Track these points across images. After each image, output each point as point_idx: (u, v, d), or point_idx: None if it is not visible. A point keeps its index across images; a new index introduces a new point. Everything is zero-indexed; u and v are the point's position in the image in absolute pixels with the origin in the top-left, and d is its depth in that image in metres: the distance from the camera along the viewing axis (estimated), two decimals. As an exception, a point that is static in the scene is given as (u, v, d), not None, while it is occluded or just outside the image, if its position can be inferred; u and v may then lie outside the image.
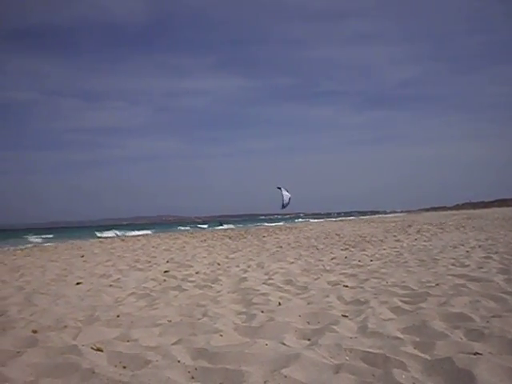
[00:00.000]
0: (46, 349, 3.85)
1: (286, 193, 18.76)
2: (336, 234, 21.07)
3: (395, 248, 12.44)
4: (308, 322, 4.50)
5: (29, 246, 26.14)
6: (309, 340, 3.88)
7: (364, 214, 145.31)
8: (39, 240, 38.32)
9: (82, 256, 14.45)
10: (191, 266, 10.05)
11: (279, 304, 5.39)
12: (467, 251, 10.51)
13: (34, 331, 4.53)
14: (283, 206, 18.69)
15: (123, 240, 26.01)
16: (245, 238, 22.19)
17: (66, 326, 4.66)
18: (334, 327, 4.10)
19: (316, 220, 76.29)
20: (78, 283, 8.04)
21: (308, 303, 5.43)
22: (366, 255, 10.81)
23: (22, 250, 20.89)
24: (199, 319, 4.76)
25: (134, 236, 34.20)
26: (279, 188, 18.84)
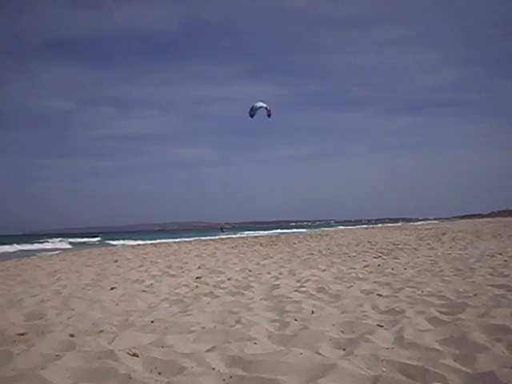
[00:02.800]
0: (83, 353, 3.91)
1: (261, 103, 15.48)
2: (368, 242, 20.79)
3: (429, 256, 12.17)
4: (342, 331, 4.44)
5: (64, 250, 26.76)
6: (344, 350, 3.83)
7: (395, 221, 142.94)
8: (74, 244, 39.20)
9: (116, 261, 14.70)
10: (223, 273, 10.08)
11: (312, 312, 5.34)
12: (505, 260, 10.19)
13: (72, 335, 4.62)
14: (251, 110, 15.25)
15: (155, 245, 26.34)
16: (276, 244, 22.13)
17: (102, 331, 4.74)
18: (370, 337, 4.03)
19: (347, 227, 75.51)
20: (112, 288, 8.17)
21: (342, 312, 5.36)
22: (400, 263, 10.62)
23: (57, 254, 21.40)
24: (232, 326, 4.76)
25: (165, 242, 34.59)
26: (252, 111, 15.46)
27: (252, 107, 15.11)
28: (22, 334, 4.76)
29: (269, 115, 15.26)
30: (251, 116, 15.16)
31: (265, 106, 15.22)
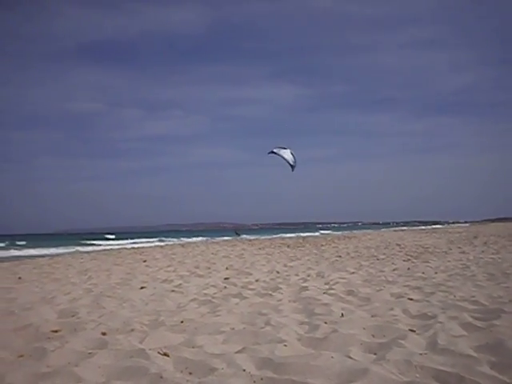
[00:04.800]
0: (115, 351, 3.97)
1: (285, 150, 14.21)
2: (397, 244, 20.50)
3: (461, 260, 11.91)
4: (373, 335, 4.38)
5: (94, 249, 27.25)
6: (375, 354, 3.77)
7: (425, 224, 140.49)
8: (104, 244, 39.90)
9: (145, 261, 14.88)
10: (250, 274, 10.08)
11: (342, 315, 5.29)
12: (541, 266, 9.89)
13: (103, 333, 4.69)
14: (292, 166, 14.03)
15: (183, 246, 26.57)
16: (303, 246, 22.04)
17: (133, 330, 4.80)
18: (402, 342, 3.96)
19: (374, 230, 74.64)
20: (141, 287, 8.27)
21: (372, 315, 5.29)
22: (430, 267, 10.42)
23: (88, 253, 21.81)
24: (262, 328, 4.75)
25: (193, 242, 34.85)
26: (273, 152, 14.21)
27: (276, 153, 14.00)
28: (56, 331, 4.86)
29: (292, 168, 14.26)
30: (271, 153, 14.09)
31: (291, 161, 14.01)
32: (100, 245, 38.26)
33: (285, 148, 14.29)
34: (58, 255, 22.47)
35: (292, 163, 14.06)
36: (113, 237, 62.54)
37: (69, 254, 24.35)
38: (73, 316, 5.78)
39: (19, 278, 10.93)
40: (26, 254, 24.88)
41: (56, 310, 6.20)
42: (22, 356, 3.99)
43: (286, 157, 14.03)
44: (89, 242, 41.92)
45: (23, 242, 40.28)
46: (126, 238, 49.35)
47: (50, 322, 5.38)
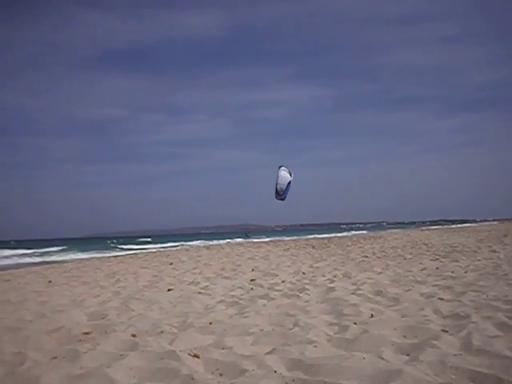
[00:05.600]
0: (145, 353, 4.00)
1: (286, 174, 11.91)
2: (424, 244, 20.18)
3: (491, 259, 11.64)
4: (404, 336, 4.30)
5: (122, 253, 27.60)
6: (408, 355, 3.70)
7: (452, 222, 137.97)
8: (130, 247, 40.41)
9: (171, 263, 15.00)
10: (276, 275, 10.06)
11: (371, 316, 5.22)
12: None
13: (134, 335, 4.74)
14: (278, 194, 11.78)
15: (208, 248, 26.70)
16: (328, 247, 21.90)
17: (162, 332, 4.83)
18: (435, 342, 3.88)
19: (400, 229, 73.69)
20: (169, 290, 8.33)
21: (402, 316, 5.20)
22: (460, 266, 10.22)
23: (115, 257, 22.10)
24: (291, 329, 4.72)
25: (218, 244, 35.00)
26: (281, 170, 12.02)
27: (277, 191, 11.67)
28: (87, 333, 4.93)
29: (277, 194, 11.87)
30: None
31: (291, 177, 11.79)
32: (126, 249, 38.77)
33: (290, 173, 12.08)
34: (86, 259, 22.85)
35: (278, 189, 11.72)
36: (142, 240, 63.39)
37: (97, 257, 24.73)
38: (103, 318, 5.86)
39: (49, 281, 11.14)
40: (58, 259, 25.32)
41: (86, 312, 6.29)
42: (55, 358, 4.05)
43: (280, 179, 11.77)
44: (114, 246, 42.60)
45: (56, 248, 40.96)
46: (153, 243, 49.91)
47: (81, 324, 5.47)
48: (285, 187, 11.70)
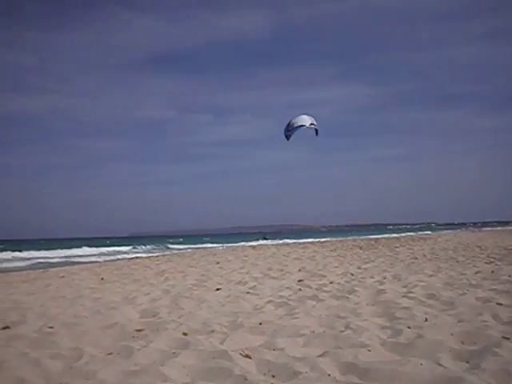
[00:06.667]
0: (197, 351, 4.03)
1: (305, 118, 11.07)
2: (476, 246, 19.47)
3: (552, 263, 11.08)
4: (462, 342, 4.14)
5: (169, 251, 28.13)
6: (467, 362, 3.55)
7: (506, 224, 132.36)
8: (177, 246, 41.17)
9: (218, 263, 15.14)
10: (324, 276, 9.95)
11: (426, 320, 5.06)
12: None
13: (185, 333, 4.79)
14: (287, 128, 11.08)
15: (254, 248, 26.80)
16: (376, 248, 21.51)
17: (213, 331, 4.86)
18: (496, 350, 3.70)
19: (450, 230, 71.50)
20: (217, 289, 8.39)
21: (458, 321, 5.01)
22: (517, 270, 9.77)
23: (163, 255, 22.54)
24: (342, 331, 4.64)
25: (264, 244, 35.08)
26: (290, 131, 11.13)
27: (288, 124, 11.05)
28: (140, 330, 5.03)
29: (316, 132, 11.25)
30: (287, 137, 11.15)
31: (308, 124, 10.93)
32: (173, 248, 39.52)
33: (313, 120, 11.10)
34: (135, 257, 23.42)
35: (315, 125, 10.90)
36: (180, 240, 64.52)
37: (145, 256, 25.31)
38: (154, 316, 5.96)
39: (102, 278, 11.49)
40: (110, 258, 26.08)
41: (138, 309, 6.43)
42: (110, 354, 4.15)
43: (301, 122, 10.90)
44: (162, 246, 43.48)
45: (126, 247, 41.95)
46: (197, 243, 50.64)
47: (133, 321, 5.59)
48: (297, 125, 10.93)
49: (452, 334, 4.33)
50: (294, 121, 10.97)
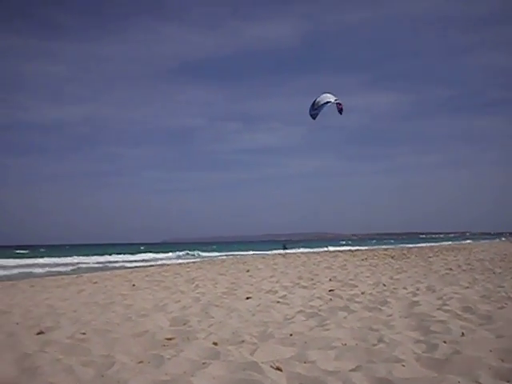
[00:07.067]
0: (227, 362, 4.00)
1: (328, 95, 11.14)
2: (515, 257, 18.84)
3: None
4: (502, 360, 3.97)
5: (199, 259, 28.29)
6: (508, 382, 3.40)
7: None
8: (207, 254, 41.40)
9: (248, 271, 15.11)
10: (355, 286, 9.79)
11: (462, 334, 4.89)
12: None
13: (215, 343, 4.77)
14: (313, 107, 11.03)
15: (284, 256, 26.68)
16: (408, 257, 21.09)
17: (243, 341, 4.82)
18: (540, 369, 3.53)
19: (486, 240, 69.57)
20: (247, 298, 8.35)
21: (497, 336, 4.82)
22: (561, 283, 9.38)
23: (194, 262, 22.68)
24: (375, 345, 4.53)
25: (294, 252, 34.92)
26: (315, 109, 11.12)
27: (313, 103, 11.00)
28: (170, 339, 5.04)
29: (340, 111, 11.18)
30: (312, 116, 11.12)
31: (333, 100, 10.94)
32: (203, 256, 39.76)
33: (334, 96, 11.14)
34: (167, 264, 23.64)
35: (338, 101, 10.90)
36: (214, 247, 64.92)
37: (176, 263, 25.52)
38: (184, 324, 5.97)
39: (133, 285, 11.62)
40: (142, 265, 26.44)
41: (168, 317, 6.46)
42: (141, 362, 4.16)
43: (326, 99, 10.90)
44: (191, 253, 43.86)
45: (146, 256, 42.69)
46: (228, 250, 50.82)
47: (164, 329, 5.61)
48: (322, 102, 10.88)
49: (491, 351, 4.17)
50: (318, 99, 10.95)
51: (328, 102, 10.86)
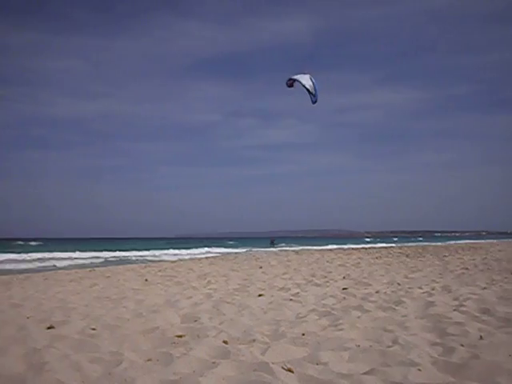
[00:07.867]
0: (238, 362, 3.90)
1: (304, 75, 10.68)
2: (533, 257, 18.47)
3: None
4: (523, 365, 3.81)
5: (212, 254, 28.30)
6: (530, 389, 3.26)
7: None
8: (219, 249, 41.40)
9: (261, 267, 15.02)
10: (370, 285, 9.64)
11: (481, 338, 4.72)
12: None
13: (225, 342, 4.68)
14: (312, 94, 10.54)
15: (297, 253, 26.53)
16: (423, 256, 20.81)
17: (254, 340, 4.72)
18: (562, 376, 3.38)
19: (503, 239, 68.54)
20: (259, 295, 8.25)
21: (517, 340, 4.65)
22: None
23: (207, 258, 22.66)
24: (389, 347, 4.40)
25: (307, 249, 34.74)
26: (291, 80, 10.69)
27: (292, 78, 10.61)
28: (180, 336, 4.96)
29: (313, 102, 10.59)
30: (288, 85, 10.64)
31: (308, 85, 10.41)
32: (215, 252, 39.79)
33: (304, 73, 10.68)
34: (180, 259, 23.66)
35: (311, 90, 10.46)
36: (230, 243, 64.94)
37: (188, 258, 25.55)
38: (195, 321, 5.89)
39: (146, 280, 11.61)
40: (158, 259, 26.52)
41: (179, 314, 6.38)
42: (149, 360, 4.09)
43: (303, 82, 10.48)
44: (206, 248, 43.92)
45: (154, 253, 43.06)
46: (241, 246, 50.78)
47: (174, 326, 5.54)
48: (298, 79, 10.46)
49: (510, 355, 4.01)
50: (298, 77, 10.54)
51: (302, 85, 10.45)
